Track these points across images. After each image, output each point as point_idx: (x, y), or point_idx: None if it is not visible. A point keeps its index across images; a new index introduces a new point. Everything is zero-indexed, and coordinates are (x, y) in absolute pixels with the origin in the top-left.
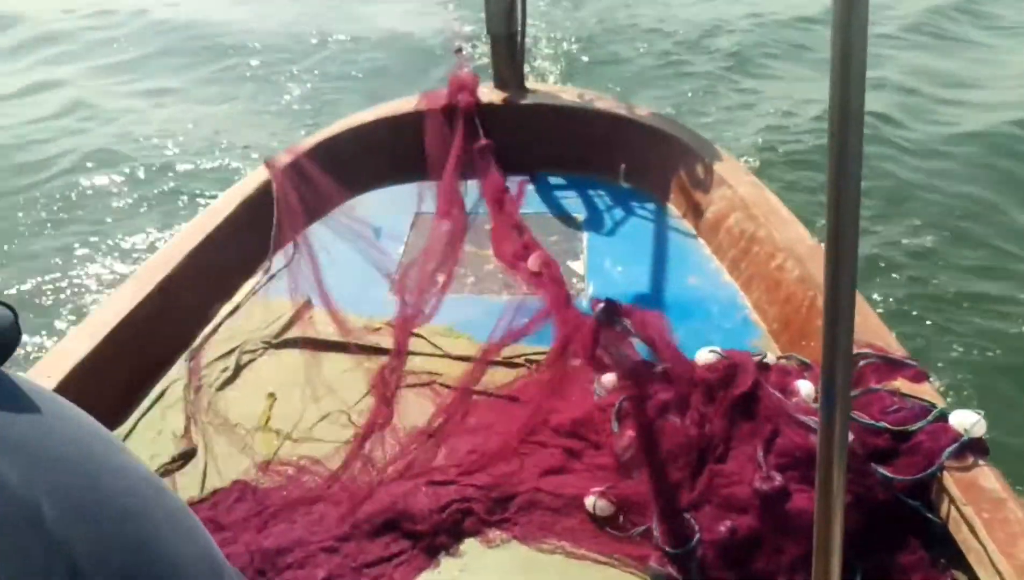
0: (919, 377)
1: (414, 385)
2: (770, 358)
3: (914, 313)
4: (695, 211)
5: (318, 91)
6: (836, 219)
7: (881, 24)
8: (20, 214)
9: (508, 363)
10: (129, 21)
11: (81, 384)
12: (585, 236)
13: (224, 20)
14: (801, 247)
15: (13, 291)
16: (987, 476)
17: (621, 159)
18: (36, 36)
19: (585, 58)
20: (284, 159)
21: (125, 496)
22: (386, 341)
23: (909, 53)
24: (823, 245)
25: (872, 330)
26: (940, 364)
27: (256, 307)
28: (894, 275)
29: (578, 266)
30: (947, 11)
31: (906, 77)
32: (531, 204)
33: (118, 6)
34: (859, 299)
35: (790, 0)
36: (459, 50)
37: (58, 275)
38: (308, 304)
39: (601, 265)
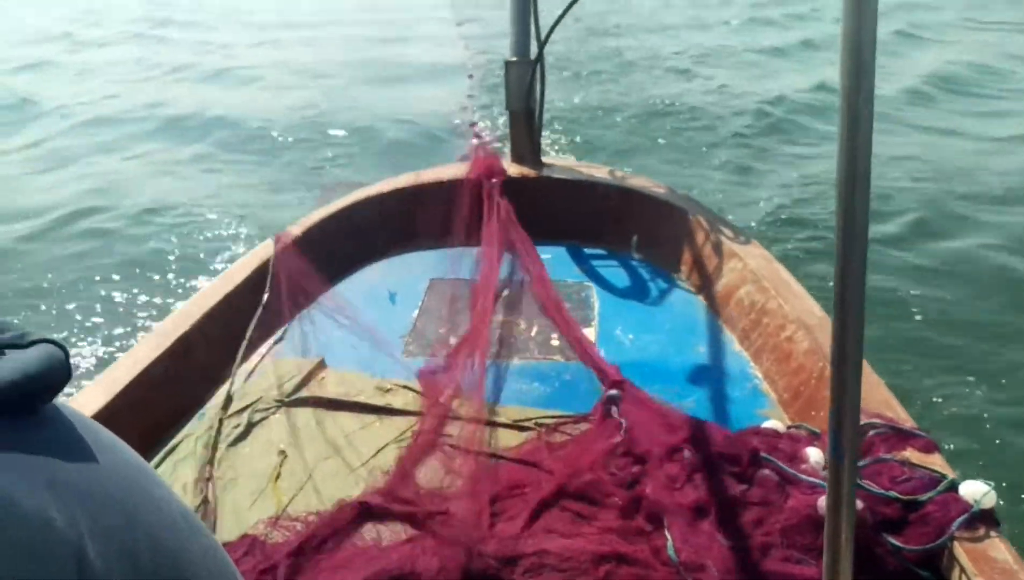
0: (929, 447)
1: (424, 445)
2: (779, 427)
3: (923, 383)
4: (706, 283)
5: (336, 165)
6: (843, 290)
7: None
8: (45, 273)
9: (518, 426)
10: (153, 108)
11: None
12: (597, 305)
13: (250, 104)
14: (811, 319)
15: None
16: (998, 547)
17: (633, 231)
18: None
19: (598, 134)
20: (297, 229)
21: (163, 530)
22: (397, 401)
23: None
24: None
25: (881, 400)
26: (949, 435)
27: (270, 367)
28: (903, 345)
29: (589, 333)
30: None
31: (912, 146)
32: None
33: (149, 97)
34: (867, 369)
35: (796, 80)
36: (473, 124)
37: (78, 330)
38: (321, 365)
39: (612, 334)
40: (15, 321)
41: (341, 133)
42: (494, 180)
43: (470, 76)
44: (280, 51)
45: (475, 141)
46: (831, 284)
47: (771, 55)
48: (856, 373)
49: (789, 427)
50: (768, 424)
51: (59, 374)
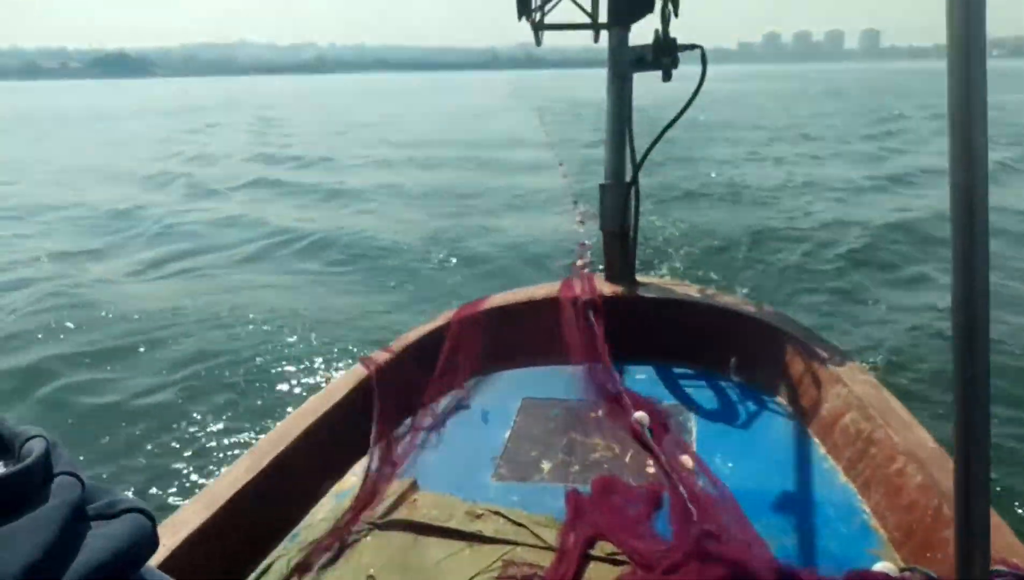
0: None
1: (513, 576)
2: (891, 570)
3: None
4: (808, 408)
5: (444, 285)
6: (966, 421)
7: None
8: (161, 385)
9: (611, 560)
10: (260, 228)
11: (192, 553)
12: (695, 430)
13: (363, 225)
14: (923, 451)
15: (141, 461)
16: None
17: (732, 353)
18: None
19: (695, 253)
20: (394, 347)
21: None
22: (488, 528)
23: None
24: (946, 451)
25: (1005, 544)
26: None
27: (363, 488)
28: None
29: (687, 460)
30: None
31: None
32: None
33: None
34: (992, 511)
35: (904, 205)
36: (582, 244)
37: (181, 448)
38: (414, 486)
39: (711, 460)
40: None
41: (447, 255)
42: (585, 299)
43: (575, 202)
44: (391, 172)
45: (578, 262)
46: (941, 412)
47: (870, 186)
48: (984, 516)
49: (903, 570)
50: (879, 566)
51: (147, 548)
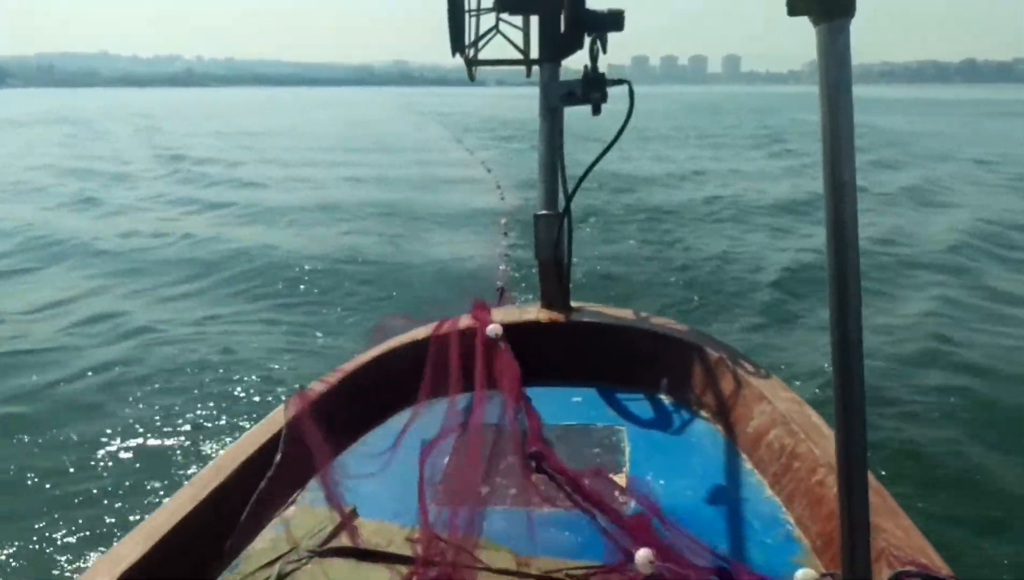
0: None
1: None
2: (813, 577)
3: (958, 530)
4: (736, 425)
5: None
6: (845, 428)
7: None
8: (87, 416)
9: (549, 578)
10: (178, 243)
11: None
12: (628, 450)
13: (282, 246)
14: None
15: (73, 497)
16: None
17: (664, 373)
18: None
19: (623, 279)
20: (329, 378)
21: None
22: (429, 552)
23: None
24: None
25: (916, 547)
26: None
27: (302, 517)
28: (938, 492)
29: (620, 479)
30: None
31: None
32: (575, 417)
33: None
34: (900, 514)
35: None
36: (501, 289)
37: (111, 481)
38: (353, 514)
39: (644, 478)
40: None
41: (374, 276)
42: (490, 327)
43: (504, 224)
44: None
45: (499, 285)
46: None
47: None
48: (864, 515)
49: (823, 576)
50: (800, 573)
51: None
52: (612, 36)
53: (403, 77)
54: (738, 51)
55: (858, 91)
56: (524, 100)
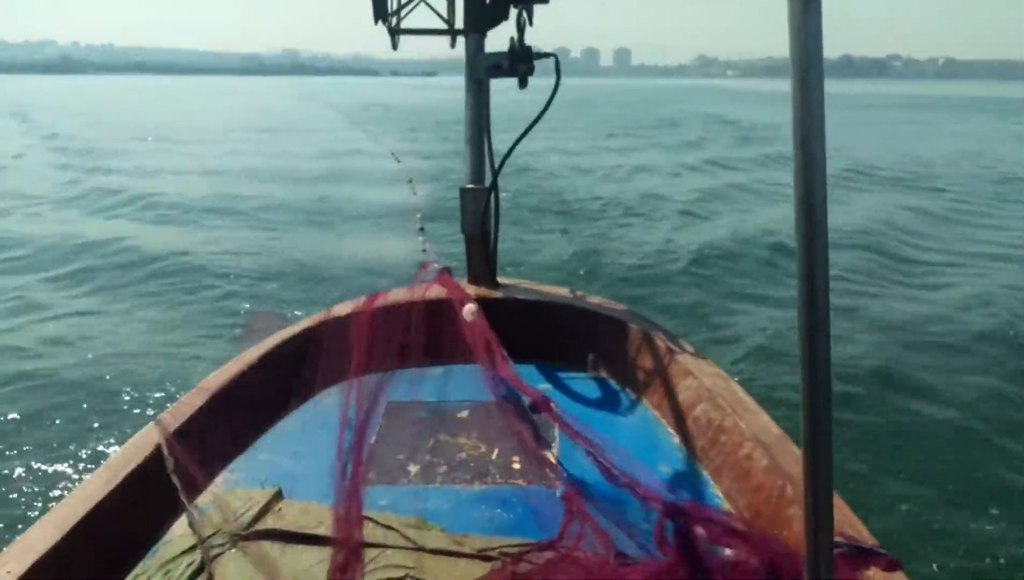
0: (892, 566)
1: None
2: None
3: (886, 504)
4: (663, 401)
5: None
6: (811, 413)
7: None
8: None
9: (482, 556)
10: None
11: (43, 578)
12: (557, 426)
13: (178, 239)
14: (768, 437)
15: None
16: None
17: (591, 350)
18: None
19: (553, 256)
20: (253, 353)
21: None
22: (357, 532)
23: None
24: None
25: (843, 520)
26: (914, 554)
27: (224, 500)
28: (870, 467)
29: (550, 455)
30: None
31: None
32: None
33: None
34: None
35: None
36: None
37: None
38: (277, 496)
39: (573, 454)
40: None
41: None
42: (468, 303)
43: (417, 210)
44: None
45: (436, 266)
46: (788, 398)
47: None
48: (828, 496)
49: None
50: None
51: None
52: (505, 26)
53: (294, 67)
54: (628, 44)
55: (738, 84)
56: (421, 90)
